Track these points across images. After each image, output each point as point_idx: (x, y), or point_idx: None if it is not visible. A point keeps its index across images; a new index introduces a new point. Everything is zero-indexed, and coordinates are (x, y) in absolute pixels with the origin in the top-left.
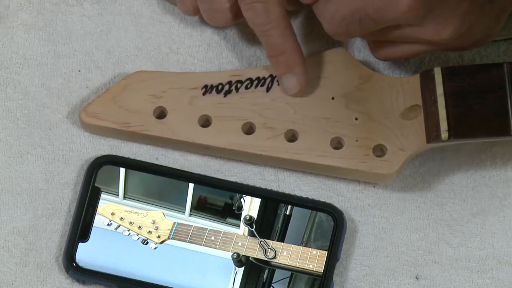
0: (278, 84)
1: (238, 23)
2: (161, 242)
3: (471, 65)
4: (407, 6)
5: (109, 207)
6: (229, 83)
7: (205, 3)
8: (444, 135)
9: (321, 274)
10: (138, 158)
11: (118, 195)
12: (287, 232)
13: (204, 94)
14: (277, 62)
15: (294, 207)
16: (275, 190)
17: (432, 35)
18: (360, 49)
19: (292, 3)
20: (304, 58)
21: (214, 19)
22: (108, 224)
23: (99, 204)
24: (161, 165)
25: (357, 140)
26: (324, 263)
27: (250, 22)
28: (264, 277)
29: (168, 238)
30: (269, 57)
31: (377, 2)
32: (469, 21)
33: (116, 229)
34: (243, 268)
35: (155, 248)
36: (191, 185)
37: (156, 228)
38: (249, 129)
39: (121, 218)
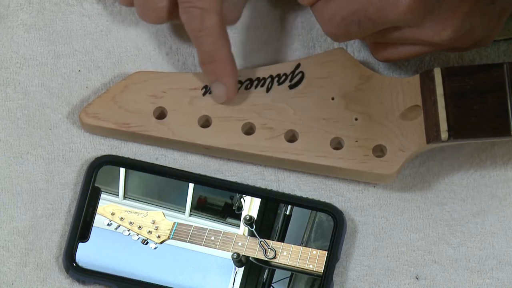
0: (278, 85)
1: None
2: (161, 242)
3: (471, 65)
4: (406, 7)
5: (109, 207)
6: None
7: None
8: (444, 135)
9: (321, 274)
10: (138, 158)
11: (118, 195)
12: (287, 232)
13: (204, 94)
14: (206, 70)
15: (294, 207)
16: (275, 190)
17: (432, 36)
18: (360, 49)
19: (232, 18)
20: (236, 70)
21: (146, 15)
22: (108, 224)
23: (99, 204)
24: (161, 165)
25: (357, 141)
26: (324, 263)
27: (185, 25)
28: (264, 277)
29: (168, 238)
30: (200, 64)
31: (377, 3)
32: (469, 22)
33: (116, 229)
34: (243, 268)
35: (155, 248)
36: (191, 185)
37: (156, 228)
38: (249, 130)
39: (121, 218)
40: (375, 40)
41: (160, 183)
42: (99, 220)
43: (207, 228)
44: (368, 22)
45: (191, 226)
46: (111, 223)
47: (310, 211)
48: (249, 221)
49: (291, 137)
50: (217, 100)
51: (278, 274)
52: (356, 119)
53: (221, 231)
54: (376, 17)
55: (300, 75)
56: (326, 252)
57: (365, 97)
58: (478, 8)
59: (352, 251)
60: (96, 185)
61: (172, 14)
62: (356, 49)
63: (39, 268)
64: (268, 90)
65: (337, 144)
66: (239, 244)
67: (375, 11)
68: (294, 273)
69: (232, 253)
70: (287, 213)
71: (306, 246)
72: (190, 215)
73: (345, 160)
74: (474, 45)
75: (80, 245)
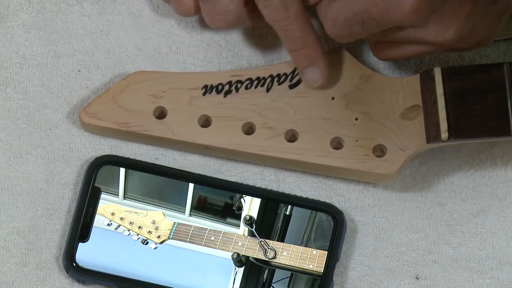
0: (279, 84)
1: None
2: (161, 242)
3: (471, 65)
4: (410, 7)
5: (109, 207)
6: (229, 83)
7: (208, 3)
8: (444, 135)
9: (321, 274)
10: (138, 158)
11: (118, 195)
12: (287, 232)
13: (204, 94)
14: (299, 56)
15: (294, 207)
16: (275, 190)
17: (435, 36)
18: (360, 49)
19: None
20: (325, 51)
21: (215, 21)
22: (108, 224)
23: (99, 204)
24: (161, 165)
25: (357, 140)
26: (324, 263)
27: (269, 19)
28: (264, 277)
29: (168, 238)
30: (290, 51)
31: (380, 3)
32: (472, 22)
33: (116, 229)
34: (243, 268)
35: (155, 248)
36: (191, 185)
37: (156, 228)
38: (249, 129)
39: (121, 218)
40: (377, 39)
41: (160, 183)
42: (99, 220)
43: (207, 228)
44: (372, 23)
45: (191, 226)
46: (111, 223)
47: (310, 211)
48: (249, 221)
49: (291, 137)
50: (312, 84)
51: (278, 274)
52: (356, 119)
53: (221, 231)
54: (379, 17)
55: None
56: (326, 252)
57: (365, 96)
58: (480, 9)
59: (352, 251)
60: (96, 185)
61: (241, 17)
62: (356, 48)
63: (39, 268)
64: (268, 90)
65: (337, 144)
66: (239, 244)
67: (378, 11)
68: (294, 273)
69: (232, 253)
70: (287, 213)
71: (306, 246)
72: (190, 215)
73: (345, 159)
74: (475, 45)
75: (80, 245)
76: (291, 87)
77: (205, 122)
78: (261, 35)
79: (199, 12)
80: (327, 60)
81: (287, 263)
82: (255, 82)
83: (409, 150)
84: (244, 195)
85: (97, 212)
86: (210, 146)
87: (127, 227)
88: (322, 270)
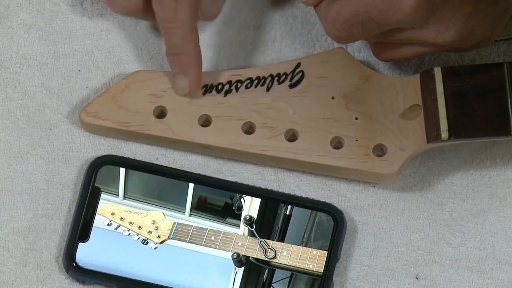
0: (279, 84)
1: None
2: (161, 242)
3: (471, 65)
4: (410, 8)
5: (109, 207)
6: (229, 82)
7: None
8: (444, 134)
9: (321, 274)
10: (138, 158)
11: (118, 195)
12: (287, 232)
13: (204, 93)
14: (173, 61)
15: (294, 207)
16: (275, 190)
17: (435, 37)
18: (360, 49)
19: (210, 15)
20: (201, 64)
21: (114, 4)
22: (108, 224)
23: (99, 204)
24: (161, 165)
25: (357, 140)
26: (324, 263)
27: (157, 16)
28: (264, 277)
29: (168, 238)
30: (167, 55)
31: (380, 4)
32: (472, 23)
33: (116, 229)
34: (243, 268)
35: (155, 248)
36: (191, 185)
37: (156, 228)
38: (249, 129)
39: (121, 218)
40: (378, 40)
41: (160, 183)
42: (99, 220)
43: (207, 228)
44: (372, 24)
45: (191, 226)
46: (111, 223)
47: (310, 211)
48: (249, 221)
49: (291, 137)
50: (179, 92)
51: (278, 274)
52: (356, 119)
53: (221, 231)
54: (379, 18)
55: (300, 74)
56: (326, 252)
57: (365, 96)
58: (480, 9)
59: (352, 251)
60: (96, 185)
61: (139, 7)
62: (356, 48)
63: (39, 268)
64: (268, 89)
65: (337, 144)
66: (239, 244)
67: (378, 12)
68: (294, 273)
69: (232, 253)
70: (287, 213)
71: (306, 246)
72: (190, 215)
73: (345, 159)
74: (475, 46)
75: (80, 245)
76: (291, 86)
77: (205, 122)
78: (261, 35)
79: None
80: (199, 73)
81: (287, 263)
82: (255, 82)
83: (409, 150)
84: (244, 195)
85: (97, 212)
86: (210, 145)
87: (127, 227)
88: (322, 270)
